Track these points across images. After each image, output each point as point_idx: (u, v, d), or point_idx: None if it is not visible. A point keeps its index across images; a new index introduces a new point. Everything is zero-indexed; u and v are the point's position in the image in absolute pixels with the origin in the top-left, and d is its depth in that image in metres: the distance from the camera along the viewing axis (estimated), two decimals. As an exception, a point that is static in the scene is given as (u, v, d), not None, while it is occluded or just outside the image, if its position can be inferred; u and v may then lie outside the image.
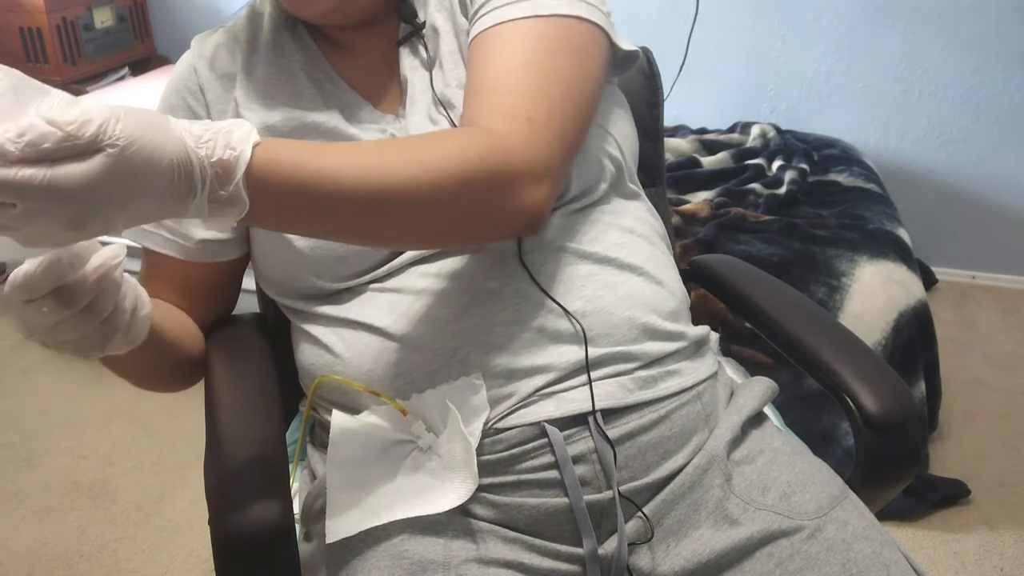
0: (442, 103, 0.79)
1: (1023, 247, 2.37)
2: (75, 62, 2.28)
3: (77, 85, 2.29)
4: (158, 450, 1.77)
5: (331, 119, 0.80)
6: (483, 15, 0.76)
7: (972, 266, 2.43)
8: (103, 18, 2.37)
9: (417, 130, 0.79)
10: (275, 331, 0.91)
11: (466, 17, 0.81)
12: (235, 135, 0.55)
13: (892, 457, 0.78)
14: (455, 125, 0.77)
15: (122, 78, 2.45)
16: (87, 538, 1.55)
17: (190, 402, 2.01)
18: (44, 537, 1.55)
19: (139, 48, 2.54)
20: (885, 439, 0.76)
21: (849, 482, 0.77)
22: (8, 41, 2.23)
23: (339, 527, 0.69)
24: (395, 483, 0.70)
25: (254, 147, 0.55)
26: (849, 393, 0.77)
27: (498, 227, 0.69)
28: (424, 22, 0.82)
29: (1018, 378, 1.99)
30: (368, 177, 0.60)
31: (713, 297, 1.01)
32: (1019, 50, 2.16)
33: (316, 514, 0.75)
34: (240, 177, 0.54)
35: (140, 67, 2.53)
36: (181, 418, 1.84)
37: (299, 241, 0.77)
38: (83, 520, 1.59)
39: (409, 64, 0.82)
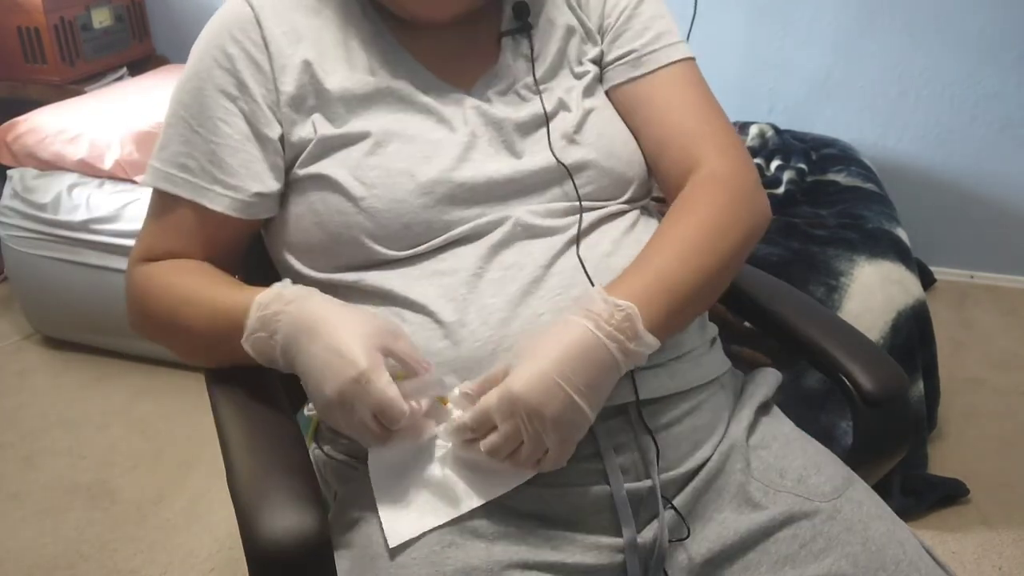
0: (536, 86, 0.83)
1: (1022, 247, 2.37)
2: (73, 62, 2.28)
3: (75, 85, 2.29)
4: (157, 450, 1.77)
5: (404, 87, 0.81)
6: (654, 50, 0.86)
7: (971, 266, 2.43)
8: (101, 18, 2.36)
9: (504, 109, 0.81)
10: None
11: (586, 22, 0.87)
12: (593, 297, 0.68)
13: (889, 431, 0.83)
14: (544, 107, 0.82)
15: (120, 78, 2.45)
16: (86, 538, 1.55)
17: (188, 403, 2.01)
18: (44, 537, 1.55)
19: (137, 48, 2.53)
20: (882, 415, 0.80)
21: (848, 460, 0.80)
22: (6, 41, 2.22)
23: (402, 529, 0.68)
24: (442, 478, 0.70)
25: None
26: (845, 373, 0.82)
27: (750, 248, 0.82)
28: (528, 22, 0.85)
29: (1017, 378, 2.00)
30: (707, 277, 0.74)
31: (713, 296, 1.02)
32: (1016, 50, 2.17)
33: (348, 524, 0.73)
34: (641, 327, 0.67)
35: (138, 67, 2.52)
36: (179, 418, 1.84)
37: (368, 199, 0.76)
38: (82, 520, 1.59)
39: (512, 55, 0.85)
